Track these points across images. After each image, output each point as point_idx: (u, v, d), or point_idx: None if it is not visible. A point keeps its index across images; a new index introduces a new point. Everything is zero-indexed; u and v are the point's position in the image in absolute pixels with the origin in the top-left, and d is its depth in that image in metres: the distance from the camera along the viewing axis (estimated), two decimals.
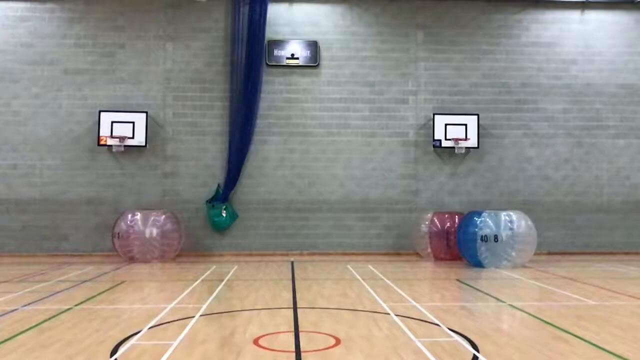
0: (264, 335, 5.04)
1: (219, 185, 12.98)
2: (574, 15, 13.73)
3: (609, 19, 13.76)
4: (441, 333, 5.16)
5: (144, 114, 12.80)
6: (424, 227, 11.87)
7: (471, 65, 13.52)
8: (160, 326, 5.48)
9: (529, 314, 6.03)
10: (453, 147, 13.05)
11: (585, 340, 4.79)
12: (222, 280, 8.80)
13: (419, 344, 4.69)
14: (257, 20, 13.03)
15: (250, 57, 13.04)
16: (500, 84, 13.54)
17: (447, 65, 13.50)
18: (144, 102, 13.04)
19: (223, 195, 12.90)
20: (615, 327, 5.36)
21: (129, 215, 11.46)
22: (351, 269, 10.26)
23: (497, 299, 6.98)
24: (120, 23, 13.17)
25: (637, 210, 13.50)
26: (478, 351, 4.46)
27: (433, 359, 4.23)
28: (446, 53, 13.53)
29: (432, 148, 13.22)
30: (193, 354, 4.43)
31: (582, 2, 13.64)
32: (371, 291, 7.62)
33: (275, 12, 13.29)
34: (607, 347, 4.53)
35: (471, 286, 8.28)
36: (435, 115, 13.14)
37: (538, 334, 5.08)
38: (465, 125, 13.04)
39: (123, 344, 4.74)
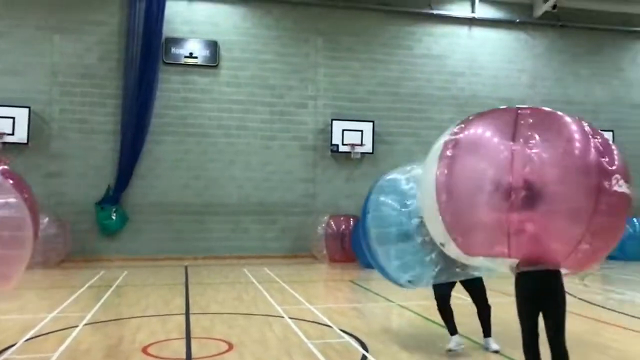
0: (153, 343, 4.87)
1: (108, 186, 12.34)
2: (462, 30, 14.64)
3: (493, 36, 14.82)
4: (333, 334, 5.28)
5: (27, 109, 11.88)
6: (320, 230, 12.08)
7: (368, 73, 13.97)
8: (39, 337, 5.11)
9: (416, 313, 6.32)
10: (349, 152, 13.41)
11: (467, 338, 5.11)
12: (111, 287, 8.38)
13: (310, 346, 4.76)
14: (154, 16, 12.57)
15: (146, 54, 12.55)
16: (394, 92, 14.11)
17: (345, 72, 13.84)
18: (26, 96, 12.08)
19: (113, 197, 12.28)
20: (493, 323, 5.74)
21: None
22: (247, 272, 10.19)
23: (387, 299, 7.25)
24: None
25: None
26: (367, 351, 4.61)
27: None
28: (344, 60, 13.87)
29: (329, 152, 13.49)
30: None
31: (470, 19, 14.57)
32: (266, 294, 7.61)
33: (173, 9, 12.90)
34: (481, 342, 4.86)
35: (363, 287, 8.54)
36: (334, 121, 13.42)
37: (424, 332, 5.34)
38: (362, 131, 13.45)
39: None
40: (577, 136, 3.19)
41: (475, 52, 14.65)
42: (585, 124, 3.31)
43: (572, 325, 5.82)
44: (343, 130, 13.36)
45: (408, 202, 4.54)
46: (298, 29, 13.66)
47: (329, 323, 5.72)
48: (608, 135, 13.97)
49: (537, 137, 3.15)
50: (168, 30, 12.85)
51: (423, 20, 14.35)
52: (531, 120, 3.26)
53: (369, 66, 13.97)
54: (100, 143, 12.51)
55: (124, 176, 12.36)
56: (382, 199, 4.82)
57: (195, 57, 13.00)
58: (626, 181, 3.17)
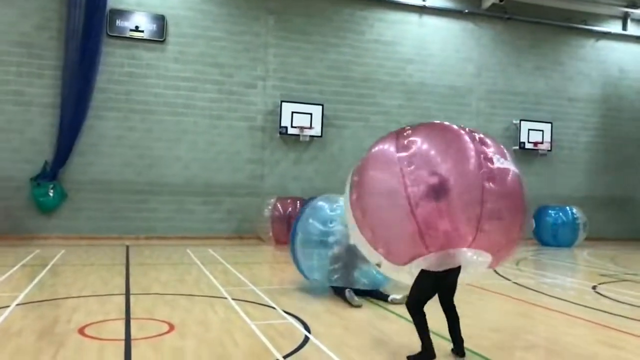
0: (90, 324, 4.73)
1: (46, 162, 11.83)
2: (413, 18, 14.79)
3: (442, 25, 15.05)
4: (276, 315, 5.28)
5: None
6: (267, 212, 12.03)
7: (318, 56, 13.92)
8: None
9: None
10: (298, 135, 13.37)
11: (404, 318, 5.23)
12: (46, 266, 8.07)
13: (253, 327, 4.75)
14: None
15: (89, 25, 12.04)
16: (345, 76, 14.14)
17: (295, 54, 13.74)
18: None
19: (51, 173, 11.79)
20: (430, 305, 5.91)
21: None
22: (191, 253, 10.04)
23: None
24: None
25: None
26: (310, 332, 4.65)
27: (266, 341, 4.31)
28: (295, 41, 13.76)
29: (278, 134, 13.40)
30: (5, 348, 4.01)
31: (421, 7, 14.73)
32: (210, 276, 7.53)
33: None
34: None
35: None
36: (283, 103, 13.33)
37: (366, 314, 5.43)
38: (311, 114, 13.43)
39: None
40: (454, 131, 3.73)
41: (425, 39, 14.85)
42: (462, 126, 3.85)
43: (507, 307, 6.09)
44: (292, 113, 13.30)
45: (330, 224, 6.10)
46: (249, 7, 13.42)
47: (273, 304, 5.72)
48: (547, 127, 14.62)
49: (417, 140, 3.65)
50: (113, 2, 12.36)
51: (375, 6, 14.39)
52: (410, 131, 3.76)
53: (320, 49, 13.92)
54: (37, 116, 11.95)
55: (63, 152, 11.88)
56: (310, 220, 6.24)
57: (142, 31, 12.57)
58: (505, 159, 3.68)
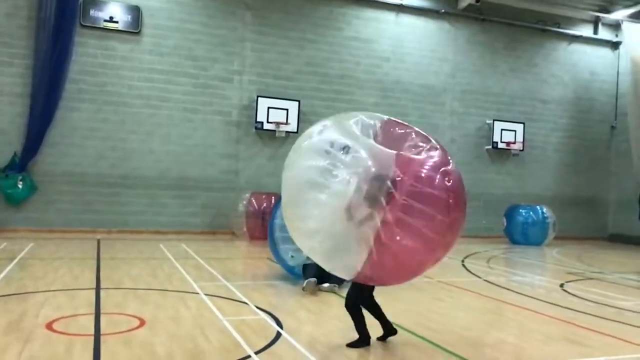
0: (59, 319, 4.66)
1: (15, 153, 11.56)
2: (390, 16, 14.85)
3: (419, 24, 15.15)
4: (249, 311, 5.28)
5: None
6: (241, 207, 11.98)
7: (296, 52, 13.88)
8: None
9: (333, 292, 6.43)
10: (274, 130, 13.33)
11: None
12: (14, 259, 7.91)
13: (225, 323, 4.74)
14: None
15: (61, 14, 11.75)
16: (322, 73, 14.13)
17: (272, 49, 13.68)
18: None
19: (20, 164, 11.53)
20: (402, 301, 5.99)
21: None
22: (163, 248, 9.95)
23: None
24: None
25: None
26: (282, 328, 4.66)
27: (238, 337, 4.31)
28: (273, 37, 13.69)
29: (254, 129, 13.34)
30: None
31: (398, 5, 14.80)
32: (182, 271, 7.48)
33: None
34: (392, 320, 5.05)
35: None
36: (259, 98, 13.27)
37: (339, 310, 5.46)
38: (287, 110, 13.39)
39: None
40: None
41: (402, 38, 14.94)
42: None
43: (477, 304, 6.20)
44: (268, 108, 13.25)
45: None
46: (226, 1, 13.30)
47: (245, 300, 5.72)
48: (519, 127, 14.83)
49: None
50: None
51: (353, 3, 14.41)
52: None
53: (298, 45, 13.89)
54: (6, 106, 11.66)
55: (33, 143, 11.61)
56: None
57: (116, 22, 12.35)
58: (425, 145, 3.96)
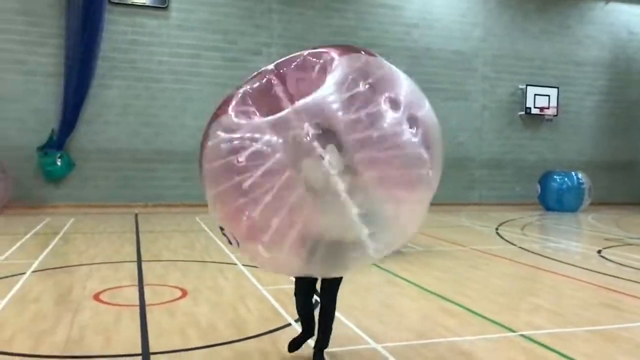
0: (105, 290, 4.85)
1: (52, 131, 11.86)
2: None
3: None
4: (285, 280, 5.38)
5: None
6: None
7: (323, 21, 13.74)
8: None
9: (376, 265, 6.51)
10: None
11: (412, 283, 5.34)
12: (57, 234, 8.21)
13: (264, 292, 4.86)
14: None
15: None
16: (349, 42, 13.90)
17: (299, 20, 13.57)
18: None
19: (57, 142, 11.83)
20: (438, 269, 6.03)
21: None
22: (199, 220, 10.16)
23: None
24: None
25: (462, 167, 15.04)
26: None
27: (277, 306, 4.42)
28: (298, 7, 13.57)
29: None
30: (25, 312, 4.13)
31: None
32: (219, 242, 7.64)
33: None
34: (429, 288, 5.11)
35: None
36: None
37: (374, 279, 5.53)
38: None
39: None
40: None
41: (431, 4, 14.62)
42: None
43: (512, 271, 6.19)
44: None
45: None
46: None
47: None
48: (553, 92, 14.43)
49: None
50: None
51: None
52: None
53: (325, 14, 13.74)
54: (41, 85, 11.92)
55: (69, 121, 11.89)
56: None
57: None
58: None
